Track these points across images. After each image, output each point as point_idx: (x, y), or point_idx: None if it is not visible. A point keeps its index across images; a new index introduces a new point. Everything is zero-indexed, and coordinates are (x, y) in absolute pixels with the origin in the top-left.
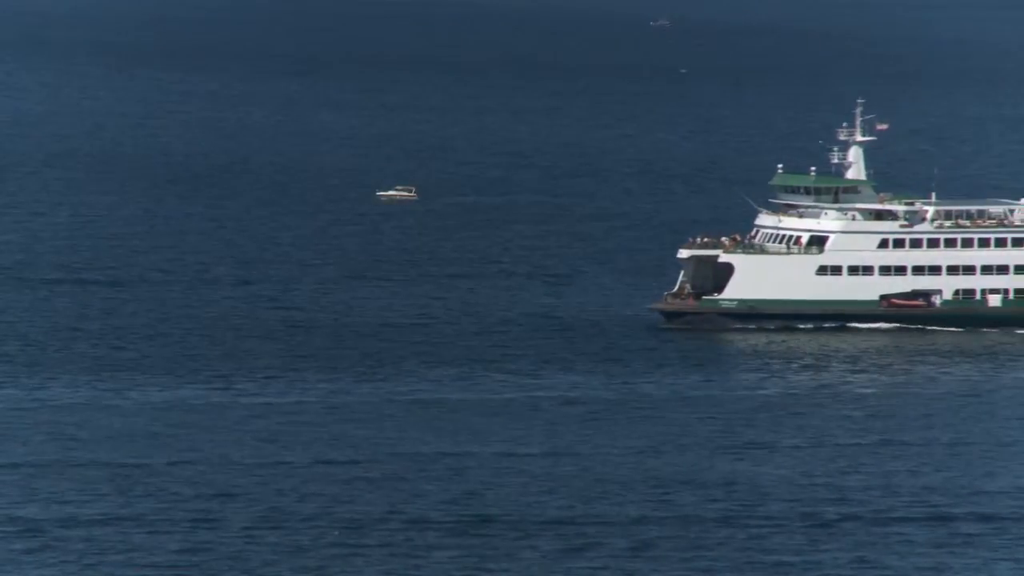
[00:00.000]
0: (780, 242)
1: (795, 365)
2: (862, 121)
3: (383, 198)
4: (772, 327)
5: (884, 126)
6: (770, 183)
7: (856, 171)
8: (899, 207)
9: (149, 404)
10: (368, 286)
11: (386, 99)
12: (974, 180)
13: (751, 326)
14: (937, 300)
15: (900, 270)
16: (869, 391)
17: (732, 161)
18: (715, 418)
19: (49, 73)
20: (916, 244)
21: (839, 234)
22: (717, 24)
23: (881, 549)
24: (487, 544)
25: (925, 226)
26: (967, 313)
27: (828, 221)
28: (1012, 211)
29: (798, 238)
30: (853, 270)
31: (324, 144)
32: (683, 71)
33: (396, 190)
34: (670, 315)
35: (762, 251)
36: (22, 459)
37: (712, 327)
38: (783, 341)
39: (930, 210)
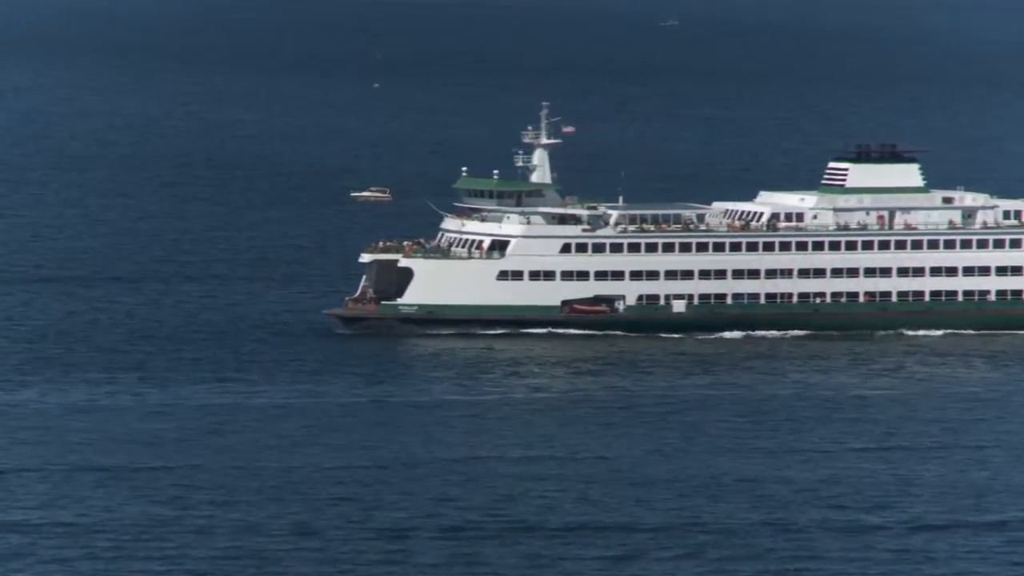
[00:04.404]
0: (463, 246)
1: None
2: (548, 124)
3: (358, 199)
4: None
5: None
6: (454, 186)
7: (541, 174)
8: (582, 211)
9: (155, 405)
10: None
11: (390, 100)
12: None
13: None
14: (620, 305)
15: (583, 275)
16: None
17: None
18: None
19: (57, 74)
20: (599, 249)
21: (520, 238)
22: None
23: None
24: None
25: (608, 231)
26: (650, 318)
27: (509, 225)
28: (703, 216)
29: (480, 242)
30: (534, 275)
31: (325, 144)
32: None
33: (371, 191)
34: (348, 320)
35: (443, 255)
36: (28, 462)
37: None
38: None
39: (614, 214)
